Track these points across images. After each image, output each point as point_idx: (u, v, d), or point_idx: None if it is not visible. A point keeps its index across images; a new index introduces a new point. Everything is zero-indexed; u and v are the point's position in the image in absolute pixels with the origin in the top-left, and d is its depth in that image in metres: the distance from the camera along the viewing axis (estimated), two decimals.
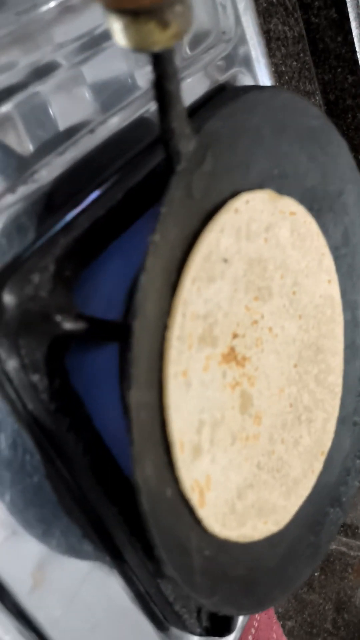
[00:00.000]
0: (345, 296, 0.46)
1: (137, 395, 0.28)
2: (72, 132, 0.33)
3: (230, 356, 0.37)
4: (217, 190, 0.34)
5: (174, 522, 0.31)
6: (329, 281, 0.44)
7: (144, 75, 0.36)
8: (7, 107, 0.30)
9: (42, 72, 0.31)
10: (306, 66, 0.68)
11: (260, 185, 0.38)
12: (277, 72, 0.65)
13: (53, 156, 0.32)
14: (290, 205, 0.40)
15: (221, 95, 0.40)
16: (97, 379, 0.34)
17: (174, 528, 0.31)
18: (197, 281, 0.33)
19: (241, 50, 0.42)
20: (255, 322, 0.39)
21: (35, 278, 0.29)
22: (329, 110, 0.71)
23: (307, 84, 0.69)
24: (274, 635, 0.67)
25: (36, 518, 0.33)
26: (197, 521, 0.34)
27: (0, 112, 0.30)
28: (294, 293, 0.42)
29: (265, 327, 0.40)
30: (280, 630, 0.68)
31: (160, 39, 0.24)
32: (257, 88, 0.41)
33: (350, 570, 0.81)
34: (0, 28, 0.30)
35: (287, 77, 0.66)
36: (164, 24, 0.24)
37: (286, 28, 0.65)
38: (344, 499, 0.45)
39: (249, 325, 0.38)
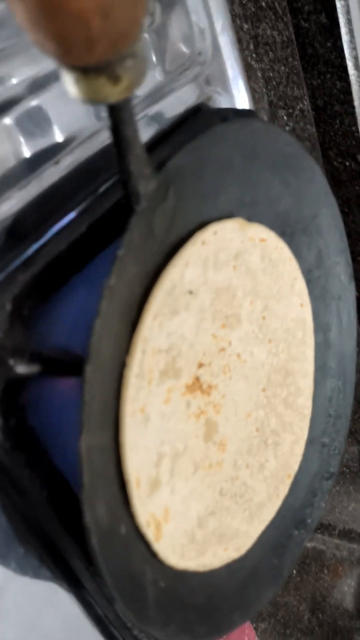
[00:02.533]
0: (318, 318, 0.46)
1: (89, 440, 0.28)
2: (36, 163, 0.32)
3: (195, 386, 0.37)
4: (182, 224, 0.34)
5: (127, 557, 0.32)
6: (301, 304, 0.44)
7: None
8: None
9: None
10: (295, 71, 0.67)
11: (230, 214, 0.38)
12: (264, 77, 0.64)
13: (15, 190, 0.31)
14: (260, 232, 0.40)
15: (194, 118, 0.40)
16: (56, 411, 0.34)
17: (127, 563, 0.32)
18: (159, 316, 0.33)
19: (218, 70, 0.41)
20: (223, 349, 0.39)
21: None
22: (317, 115, 0.70)
23: (295, 89, 0.68)
24: (246, 638, 0.68)
25: None
26: (153, 554, 0.34)
27: None
28: (263, 318, 0.42)
29: (233, 354, 0.40)
30: (253, 633, 0.69)
31: (112, 92, 0.24)
32: (230, 112, 0.40)
33: (326, 572, 0.82)
34: None
35: (274, 82, 0.65)
36: (115, 79, 0.23)
37: (275, 32, 0.64)
38: (309, 520, 0.45)
39: (216, 353, 0.38)
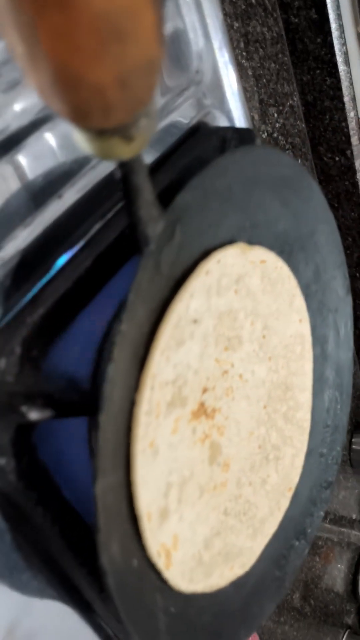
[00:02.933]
0: (315, 331, 0.46)
1: (103, 483, 0.28)
2: (40, 199, 0.32)
3: (200, 411, 0.37)
4: (187, 257, 0.34)
5: (140, 589, 0.32)
6: (300, 320, 0.45)
7: None
8: None
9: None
10: (284, 67, 0.67)
11: (231, 240, 0.38)
12: (254, 75, 0.63)
13: (20, 228, 0.31)
14: (260, 254, 0.40)
15: (193, 138, 0.40)
16: (66, 446, 0.34)
17: (140, 596, 0.32)
18: (166, 350, 0.33)
19: (216, 89, 0.41)
20: (226, 372, 0.39)
21: (2, 363, 0.29)
22: (307, 111, 0.70)
23: (285, 85, 0.67)
24: None
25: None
26: (163, 582, 0.35)
27: None
28: (263, 337, 0.42)
29: (235, 375, 0.40)
30: None
31: (125, 151, 0.24)
32: (228, 131, 0.40)
33: (318, 558, 0.84)
34: None
35: (265, 80, 0.64)
36: (128, 139, 0.23)
37: (265, 29, 0.63)
38: (309, 530, 0.46)
39: (219, 377, 0.39)
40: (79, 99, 0.20)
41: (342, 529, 0.90)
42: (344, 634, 0.89)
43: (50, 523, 0.32)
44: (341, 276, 0.47)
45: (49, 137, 0.32)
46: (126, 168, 0.26)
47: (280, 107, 0.68)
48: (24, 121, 0.31)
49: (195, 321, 0.35)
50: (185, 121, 0.40)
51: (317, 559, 0.83)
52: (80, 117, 0.22)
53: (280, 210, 0.41)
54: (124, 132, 0.23)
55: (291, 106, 0.69)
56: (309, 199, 0.42)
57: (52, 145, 0.32)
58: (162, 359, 0.33)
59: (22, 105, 0.31)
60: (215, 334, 0.37)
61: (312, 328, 0.46)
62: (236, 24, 0.60)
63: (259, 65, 0.64)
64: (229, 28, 0.58)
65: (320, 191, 0.42)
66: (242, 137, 0.39)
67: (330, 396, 0.48)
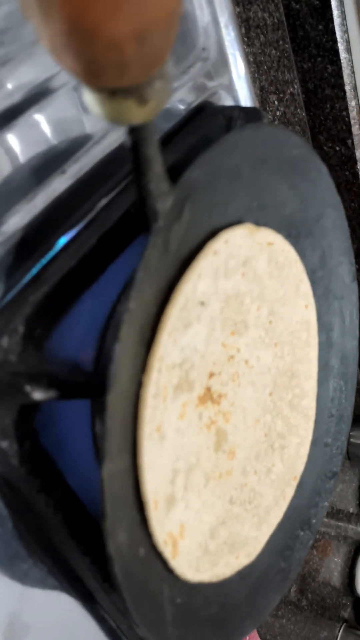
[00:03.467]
0: (321, 318, 0.45)
1: (110, 467, 0.27)
2: (42, 174, 0.31)
3: (206, 396, 0.36)
4: (194, 236, 0.33)
5: (146, 579, 0.31)
6: (306, 306, 0.44)
7: None
8: None
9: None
10: (285, 54, 0.66)
11: (239, 220, 0.37)
12: (255, 61, 0.62)
13: (22, 203, 0.30)
14: (268, 235, 0.39)
15: (199, 117, 0.38)
16: (69, 432, 0.33)
17: (146, 585, 0.31)
18: (174, 332, 0.32)
19: (222, 68, 0.40)
20: (232, 357, 0.38)
21: (4, 342, 0.28)
22: (307, 99, 0.69)
23: (285, 72, 0.66)
24: None
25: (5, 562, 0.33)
26: (169, 571, 0.34)
27: None
28: (269, 322, 0.41)
29: (241, 361, 0.39)
30: None
31: (137, 114, 0.22)
32: (235, 110, 0.39)
33: (315, 552, 0.83)
34: None
35: (265, 67, 0.63)
36: (143, 101, 0.22)
37: (266, 15, 0.62)
38: (314, 520, 0.45)
39: (226, 362, 0.38)
40: (93, 53, 0.19)
41: (340, 523, 0.89)
42: (340, 627, 0.89)
43: (53, 511, 0.31)
44: (347, 263, 0.46)
45: (50, 112, 0.31)
46: (137, 136, 0.25)
47: (281, 95, 0.67)
48: (24, 94, 0.30)
49: (202, 303, 0.34)
50: (190, 100, 0.39)
51: (315, 552, 0.82)
52: (93, 74, 0.20)
53: (288, 192, 0.40)
54: (138, 93, 0.22)
55: (292, 94, 0.68)
56: (317, 181, 0.41)
57: (50, 120, 0.31)
58: (169, 341, 0.32)
59: (24, 79, 0.30)
60: (222, 318, 0.36)
61: (317, 314, 0.45)
62: (237, 9, 0.59)
63: (259, 51, 0.62)
64: (239, 33, 0.57)
65: (328, 173, 0.41)
66: (249, 116, 0.38)
67: (335, 385, 0.47)
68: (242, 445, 0.40)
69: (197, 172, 0.31)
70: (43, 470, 0.30)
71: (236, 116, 0.38)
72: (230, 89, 0.41)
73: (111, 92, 0.22)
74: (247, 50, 0.61)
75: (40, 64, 0.30)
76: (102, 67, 0.20)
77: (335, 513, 0.88)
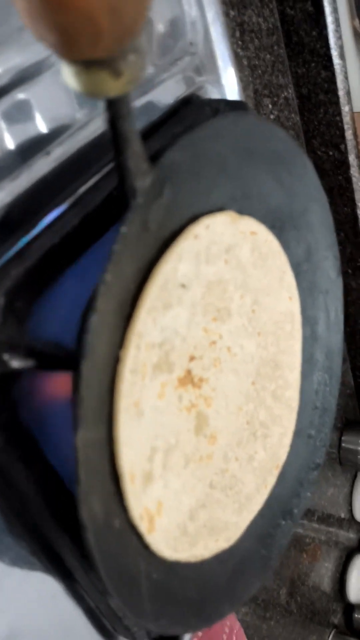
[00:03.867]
0: (305, 312, 0.46)
1: (84, 435, 0.28)
2: (26, 154, 0.32)
3: (187, 379, 0.37)
4: (176, 218, 0.34)
5: (121, 551, 0.32)
6: (290, 298, 0.44)
7: None
8: None
9: None
10: (280, 59, 0.67)
11: (221, 207, 0.38)
12: (250, 65, 0.64)
13: (6, 181, 0.31)
14: (251, 225, 0.40)
15: (185, 109, 0.40)
16: (48, 407, 0.34)
17: (122, 557, 0.32)
18: (153, 311, 0.33)
19: (209, 62, 0.41)
20: (214, 342, 0.39)
21: None
22: (301, 104, 0.70)
23: (280, 77, 0.67)
24: (227, 622, 0.69)
25: None
26: (146, 547, 0.34)
27: None
28: (253, 312, 0.42)
29: (223, 347, 0.40)
30: (234, 616, 0.69)
31: (113, 87, 0.23)
32: (221, 103, 0.40)
33: (305, 555, 0.83)
34: None
35: (260, 71, 0.65)
36: (117, 73, 0.23)
37: (260, 20, 0.63)
38: (296, 510, 0.46)
39: (207, 347, 0.38)
40: (66, 23, 0.20)
41: (330, 528, 0.89)
42: (330, 633, 0.88)
43: (32, 484, 0.32)
44: (332, 257, 0.47)
45: (32, 94, 0.32)
46: (114, 112, 0.26)
47: (275, 99, 0.68)
48: (10, 77, 0.31)
49: (183, 286, 0.35)
50: (178, 93, 0.40)
51: (304, 556, 0.82)
52: (67, 45, 0.21)
53: (273, 185, 0.40)
54: (112, 65, 0.23)
55: (286, 98, 0.69)
56: (303, 176, 0.42)
57: (35, 103, 0.32)
58: (148, 319, 0.33)
59: (10, 63, 0.31)
60: (203, 303, 0.37)
61: (302, 308, 0.46)
62: (232, 13, 0.60)
63: (254, 55, 0.64)
64: (224, 16, 0.58)
65: (313, 169, 0.42)
66: (235, 109, 0.39)
67: (320, 378, 0.48)
68: (224, 431, 0.40)
69: (178, 154, 0.32)
70: (22, 442, 0.31)
71: (222, 108, 0.39)
72: (218, 84, 0.42)
73: (86, 64, 0.23)
74: (241, 53, 0.62)
75: (27, 49, 0.32)
76: (75, 37, 0.21)
77: (325, 517, 0.88)
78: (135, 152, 0.28)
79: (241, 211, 0.39)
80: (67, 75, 0.23)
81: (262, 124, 0.37)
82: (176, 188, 0.32)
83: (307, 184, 0.42)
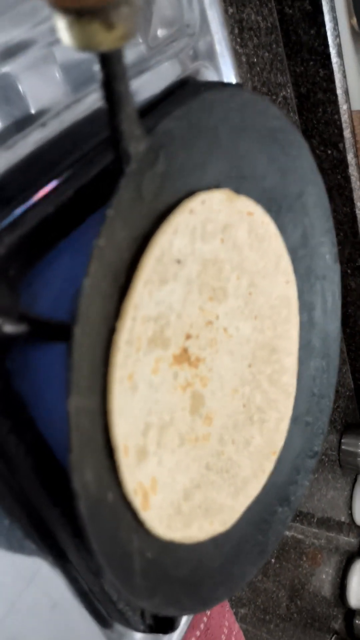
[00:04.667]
0: (302, 297, 0.46)
1: (77, 401, 0.28)
2: (22, 124, 0.32)
3: (183, 357, 0.37)
4: (171, 191, 0.34)
5: (115, 525, 0.31)
6: (287, 282, 0.44)
7: None
8: None
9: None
10: (278, 58, 0.68)
11: (217, 186, 0.37)
12: (248, 62, 0.64)
13: (1, 150, 0.31)
14: (248, 205, 0.40)
15: (181, 90, 0.40)
16: (43, 378, 0.33)
17: (115, 531, 0.31)
18: (149, 284, 0.33)
19: (206, 44, 0.41)
20: (210, 322, 0.39)
21: None
22: (299, 103, 0.71)
23: (278, 75, 0.68)
24: (226, 623, 0.68)
25: None
26: (140, 524, 0.34)
27: None
28: (250, 294, 0.41)
29: (220, 328, 0.39)
30: (233, 618, 0.69)
31: (105, 40, 0.23)
32: (218, 85, 0.40)
33: (304, 558, 0.82)
34: None
35: (258, 69, 0.65)
36: (109, 25, 0.23)
37: (259, 18, 0.64)
38: (293, 498, 0.45)
39: (203, 326, 0.38)
40: None
41: (331, 533, 0.88)
42: (331, 639, 0.87)
43: (23, 455, 0.31)
44: (329, 243, 0.47)
45: (18, 72, 0.32)
46: (108, 71, 0.26)
47: (274, 97, 0.68)
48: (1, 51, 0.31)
49: (179, 262, 0.35)
50: (174, 74, 0.40)
51: (304, 559, 0.81)
52: None
53: (268, 165, 0.40)
54: (104, 15, 0.23)
55: (284, 97, 0.69)
56: (298, 156, 0.42)
57: (23, 81, 0.32)
58: (144, 292, 0.32)
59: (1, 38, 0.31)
60: (199, 281, 0.37)
61: (299, 293, 0.46)
62: (230, 10, 0.61)
63: (252, 52, 0.64)
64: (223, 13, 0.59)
65: (309, 151, 0.42)
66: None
67: (317, 365, 0.48)
68: (220, 413, 0.40)
69: (173, 124, 0.32)
70: (14, 412, 0.31)
71: (219, 87, 0.39)
72: (216, 67, 0.42)
73: (77, 14, 0.23)
74: (240, 50, 0.63)
75: (20, 24, 0.32)
76: None
77: (325, 521, 0.87)
78: (130, 115, 0.28)
79: (237, 191, 0.39)
80: (61, 29, 0.24)
81: (257, 100, 0.37)
82: (171, 157, 0.32)
83: (302, 165, 0.42)
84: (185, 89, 0.40)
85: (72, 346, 0.27)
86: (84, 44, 0.23)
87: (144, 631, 0.39)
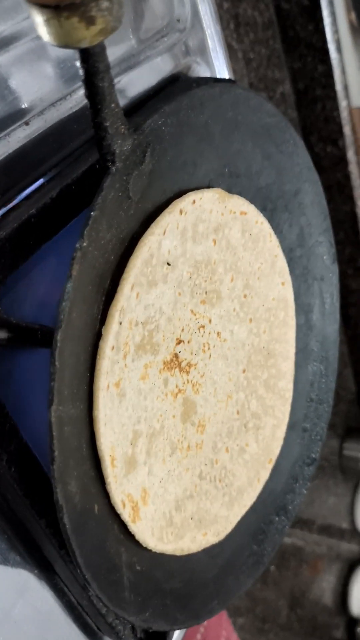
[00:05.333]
0: (299, 299, 0.44)
1: (60, 410, 0.26)
2: (4, 124, 0.31)
3: (173, 363, 0.35)
4: (159, 190, 0.32)
5: (102, 537, 0.30)
6: (283, 283, 0.43)
7: None
8: None
9: None
10: (275, 53, 0.66)
11: (209, 184, 0.36)
12: (244, 58, 0.63)
13: None
14: (240, 204, 0.38)
15: (172, 87, 0.38)
16: (27, 385, 0.32)
17: (102, 544, 0.30)
18: (137, 287, 0.32)
19: (198, 40, 0.40)
20: (202, 326, 0.37)
21: None
22: (298, 99, 0.70)
23: (275, 71, 0.67)
24: (224, 632, 0.67)
25: None
26: (129, 536, 0.32)
27: None
28: (244, 296, 0.40)
29: (213, 332, 0.38)
30: (231, 627, 0.67)
31: (85, 35, 0.22)
32: (210, 81, 0.39)
33: (305, 566, 0.81)
34: None
35: (255, 64, 0.64)
36: (89, 20, 0.22)
37: (256, 13, 0.63)
38: (290, 506, 0.44)
39: (195, 331, 0.37)
40: None
41: (332, 539, 0.87)
42: None
43: (6, 464, 0.30)
44: (327, 243, 0.45)
45: (7, 65, 0.31)
46: (90, 67, 0.25)
47: (271, 93, 0.67)
48: None
49: (168, 264, 0.34)
50: (163, 73, 0.39)
51: (304, 567, 0.80)
52: None
53: (262, 163, 0.39)
54: (83, 10, 0.21)
55: (282, 93, 0.68)
56: (293, 154, 0.40)
57: (12, 74, 0.31)
58: (132, 295, 0.31)
59: None
60: (191, 284, 0.36)
61: (295, 295, 0.44)
62: (226, 4, 0.60)
63: (249, 48, 0.63)
64: (218, 7, 0.58)
65: (304, 147, 0.41)
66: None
67: (315, 369, 0.46)
68: (213, 420, 0.39)
69: (161, 121, 0.30)
70: None
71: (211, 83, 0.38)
72: (208, 64, 0.41)
73: (55, 9, 0.21)
74: (236, 46, 0.62)
75: (5, 19, 0.31)
76: None
77: (326, 527, 0.85)
78: (114, 112, 0.27)
79: (230, 190, 0.38)
80: (39, 25, 0.22)
81: (250, 96, 0.36)
82: (159, 155, 0.31)
83: (297, 162, 0.40)
84: (175, 85, 0.38)
85: (54, 352, 0.26)
86: (63, 41, 0.22)
87: None
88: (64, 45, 0.23)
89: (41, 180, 0.32)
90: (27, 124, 0.31)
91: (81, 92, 0.34)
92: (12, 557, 0.33)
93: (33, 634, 0.35)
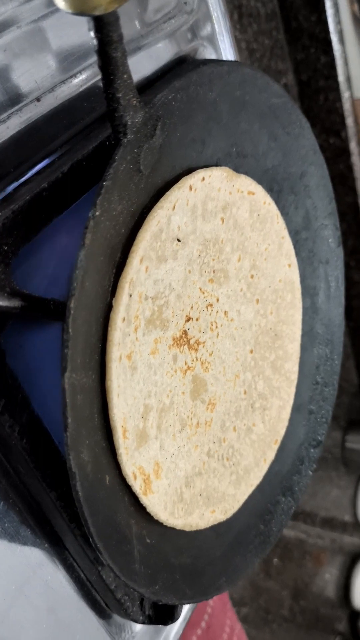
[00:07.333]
0: (305, 281, 0.45)
1: (73, 378, 0.27)
2: (17, 99, 0.31)
3: (182, 340, 0.36)
4: (169, 166, 0.33)
5: (112, 509, 0.30)
6: (289, 265, 0.43)
7: None
8: None
9: None
10: (278, 44, 0.67)
11: (216, 163, 0.37)
12: (248, 49, 0.63)
13: None
14: (248, 184, 0.39)
15: (180, 67, 0.39)
16: (38, 359, 0.32)
17: (112, 515, 0.30)
18: (146, 260, 0.32)
19: (204, 23, 0.40)
20: (210, 305, 0.38)
21: None
22: (300, 90, 0.70)
23: (279, 62, 0.67)
24: (228, 622, 0.67)
25: None
26: (140, 509, 0.33)
27: None
28: (252, 276, 0.40)
29: (220, 311, 0.39)
30: (235, 617, 0.67)
31: (100, 2, 0.23)
32: (217, 61, 0.39)
33: (308, 558, 0.81)
34: None
35: (258, 55, 0.64)
36: None
37: (259, 4, 0.63)
38: (296, 488, 0.44)
39: (204, 309, 0.37)
40: None
41: (335, 532, 0.87)
42: None
43: (18, 436, 0.30)
44: (332, 226, 0.46)
45: (15, 46, 0.31)
46: (103, 36, 0.25)
47: None
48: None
49: (179, 240, 0.34)
50: (172, 52, 0.39)
51: (308, 558, 0.80)
52: None
53: (269, 143, 0.40)
54: None
55: (285, 85, 0.68)
56: (299, 135, 0.41)
57: (23, 52, 0.31)
58: (141, 268, 0.32)
59: None
60: (200, 262, 0.36)
61: (301, 278, 0.45)
62: None
63: (252, 39, 0.63)
64: None
65: (310, 130, 0.41)
66: None
67: (320, 352, 0.47)
68: (222, 399, 0.39)
69: (171, 96, 0.31)
70: (8, 391, 0.30)
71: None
72: (214, 46, 0.41)
73: None
74: (239, 36, 0.62)
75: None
76: None
77: (328, 520, 0.86)
78: (126, 83, 0.27)
79: (237, 169, 0.38)
80: None
81: (257, 76, 0.36)
82: (169, 131, 0.31)
83: (304, 144, 0.41)
84: (183, 66, 0.39)
85: (67, 319, 0.26)
86: (79, 8, 0.23)
87: (143, 622, 0.37)
88: (80, 12, 0.23)
89: (53, 156, 0.32)
90: (38, 100, 0.32)
91: (90, 71, 0.34)
92: (24, 531, 0.33)
93: (43, 609, 0.35)
